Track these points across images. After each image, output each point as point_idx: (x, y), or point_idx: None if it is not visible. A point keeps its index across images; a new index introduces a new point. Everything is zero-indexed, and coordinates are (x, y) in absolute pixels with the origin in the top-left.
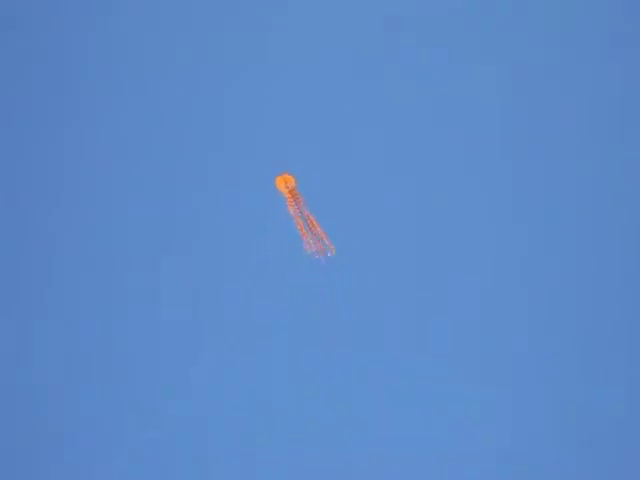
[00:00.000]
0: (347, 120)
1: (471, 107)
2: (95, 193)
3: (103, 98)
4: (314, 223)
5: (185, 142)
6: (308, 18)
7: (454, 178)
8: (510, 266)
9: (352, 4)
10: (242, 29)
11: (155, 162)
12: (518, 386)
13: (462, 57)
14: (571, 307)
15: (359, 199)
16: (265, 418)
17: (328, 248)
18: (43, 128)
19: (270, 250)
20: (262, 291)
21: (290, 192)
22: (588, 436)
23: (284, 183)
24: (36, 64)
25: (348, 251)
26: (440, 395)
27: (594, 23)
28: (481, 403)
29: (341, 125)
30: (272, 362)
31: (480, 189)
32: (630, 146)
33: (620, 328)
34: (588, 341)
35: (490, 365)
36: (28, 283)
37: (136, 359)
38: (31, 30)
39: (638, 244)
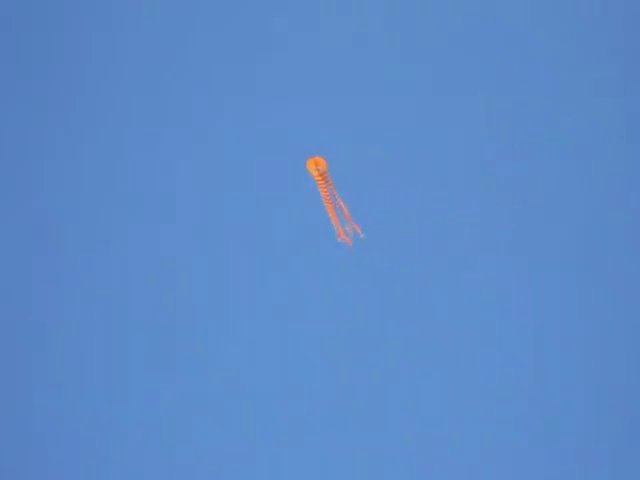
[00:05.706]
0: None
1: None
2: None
3: (102, 96)
4: (344, 207)
5: (190, 136)
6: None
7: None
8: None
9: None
10: (244, 28)
11: (156, 161)
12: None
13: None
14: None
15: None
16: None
17: (357, 231)
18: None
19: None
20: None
21: (321, 175)
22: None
23: (314, 165)
24: (35, 64)
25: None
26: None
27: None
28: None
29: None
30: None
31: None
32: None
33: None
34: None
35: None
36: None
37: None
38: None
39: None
